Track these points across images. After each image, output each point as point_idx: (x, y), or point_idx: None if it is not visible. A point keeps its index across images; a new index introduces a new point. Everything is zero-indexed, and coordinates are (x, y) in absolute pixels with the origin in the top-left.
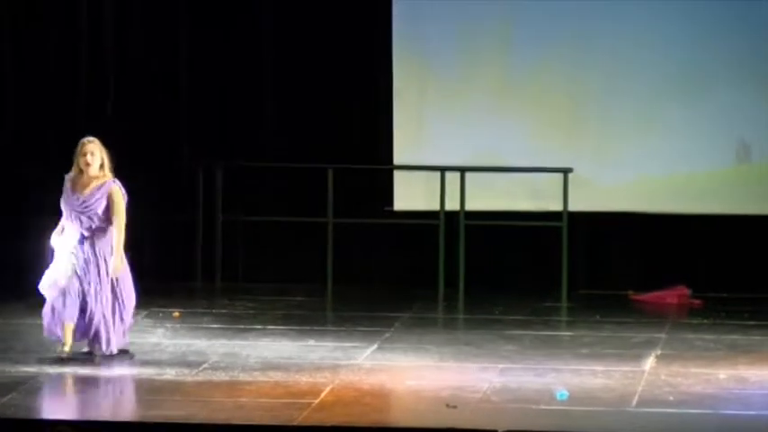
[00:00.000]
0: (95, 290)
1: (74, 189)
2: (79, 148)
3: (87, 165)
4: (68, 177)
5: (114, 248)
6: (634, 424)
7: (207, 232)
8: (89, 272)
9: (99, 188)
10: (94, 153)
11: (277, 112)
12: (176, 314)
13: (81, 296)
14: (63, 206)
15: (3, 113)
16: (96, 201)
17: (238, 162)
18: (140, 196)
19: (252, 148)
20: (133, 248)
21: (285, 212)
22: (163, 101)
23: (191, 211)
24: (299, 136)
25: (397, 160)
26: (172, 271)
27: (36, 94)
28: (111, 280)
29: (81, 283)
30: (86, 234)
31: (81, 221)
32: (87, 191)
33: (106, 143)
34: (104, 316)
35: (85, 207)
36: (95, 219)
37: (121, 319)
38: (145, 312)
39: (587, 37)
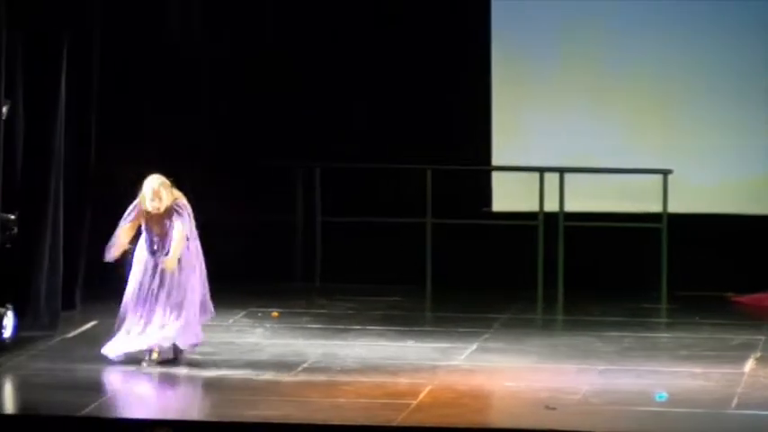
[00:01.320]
0: (163, 295)
1: (147, 223)
2: (146, 189)
3: (156, 209)
4: (141, 208)
5: (172, 250)
6: (733, 426)
7: (306, 233)
8: (155, 280)
9: (168, 219)
10: (162, 198)
11: (376, 113)
12: (275, 314)
13: (151, 304)
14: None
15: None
16: (167, 232)
17: (337, 163)
18: (239, 197)
19: (351, 150)
20: (232, 249)
21: (384, 213)
22: (263, 102)
23: (290, 212)
24: (398, 137)
25: (495, 161)
26: (271, 272)
27: (126, 98)
28: (172, 281)
29: (150, 291)
30: (156, 248)
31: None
32: (158, 228)
33: (203, 145)
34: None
35: (159, 241)
36: (167, 242)
37: (178, 317)
38: (243, 312)
39: (684, 38)
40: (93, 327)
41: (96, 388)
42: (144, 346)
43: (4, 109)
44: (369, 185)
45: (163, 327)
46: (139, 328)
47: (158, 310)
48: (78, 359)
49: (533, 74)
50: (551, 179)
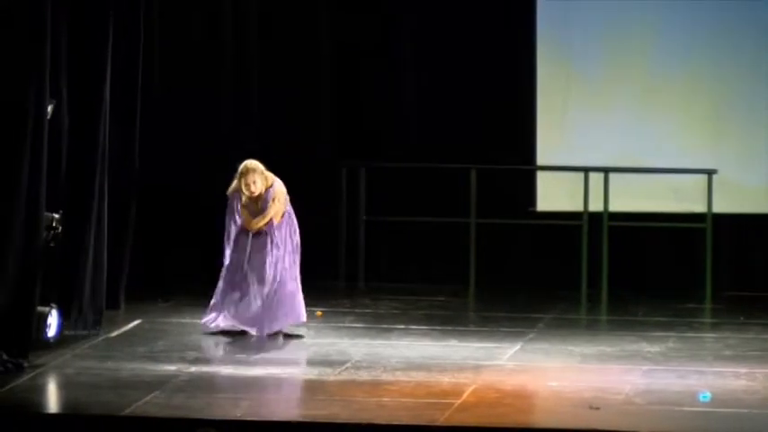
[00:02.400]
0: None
1: (246, 207)
2: (241, 176)
3: (252, 193)
4: (236, 198)
5: (261, 216)
6: None
7: (350, 232)
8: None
9: (264, 201)
10: (256, 183)
11: (420, 112)
12: (319, 313)
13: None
14: (231, 225)
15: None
16: (264, 211)
17: (381, 162)
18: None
19: (395, 149)
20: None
21: (428, 213)
22: (306, 101)
23: (334, 211)
24: (441, 136)
25: (540, 161)
26: (315, 271)
27: (180, 96)
28: (264, 263)
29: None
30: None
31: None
32: (256, 209)
33: (250, 142)
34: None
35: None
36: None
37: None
38: None
39: (730, 38)
40: (137, 326)
41: (140, 387)
42: (237, 327)
43: (50, 108)
44: (413, 185)
45: (254, 307)
46: (234, 308)
47: (251, 291)
48: (122, 358)
49: (578, 73)
50: (596, 179)
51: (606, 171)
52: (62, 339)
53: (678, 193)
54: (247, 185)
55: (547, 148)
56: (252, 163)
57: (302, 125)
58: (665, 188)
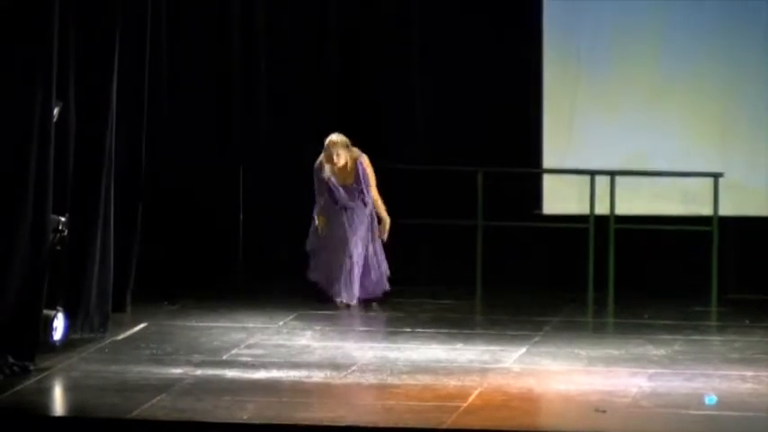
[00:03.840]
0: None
1: (334, 182)
2: (327, 147)
3: (335, 164)
4: (321, 171)
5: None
6: None
7: None
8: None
9: (353, 170)
10: (340, 155)
11: (427, 115)
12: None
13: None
14: (320, 198)
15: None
16: (355, 177)
17: (390, 164)
18: (295, 198)
19: (401, 151)
20: (285, 249)
21: (434, 215)
22: (313, 102)
23: None
24: (448, 139)
25: (546, 164)
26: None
27: (187, 99)
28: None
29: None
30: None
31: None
32: (344, 179)
33: (257, 144)
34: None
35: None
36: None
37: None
38: (293, 315)
39: (738, 40)
40: (144, 329)
41: (146, 390)
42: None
43: (56, 110)
44: (420, 187)
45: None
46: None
47: (351, 261)
48: (128, 361)
49: (585, 76)
50: (602, 182)
51: (612, 174)
52: (68, 342)
53: (685, 196)
54: (331, 157)
55: (553, 151)
56: (335, 136)
57: (309, 127)
58: (671, 191)
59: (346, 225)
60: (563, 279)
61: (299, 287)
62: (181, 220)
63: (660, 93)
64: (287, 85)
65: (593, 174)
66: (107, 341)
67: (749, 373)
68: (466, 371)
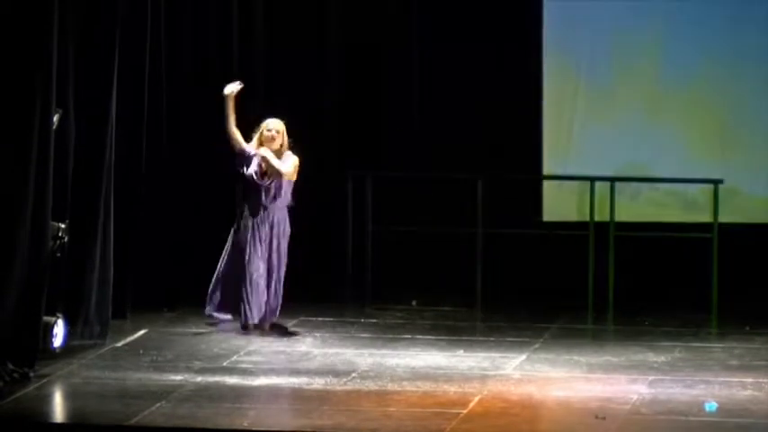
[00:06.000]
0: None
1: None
2: (264, 126)
3: (271, 139)
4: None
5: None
6: None
7: (356, 242)
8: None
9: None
10: (275, 138)
11: (426, 122)
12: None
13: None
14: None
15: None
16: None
17: (388, 172)
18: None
19: (401, 159)
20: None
21: (434, 223)
22: (312, 109)
23: (340, 220)
24: (448, 146)
25: (546, 170)
26: (321, 280)
27: (187, 105)
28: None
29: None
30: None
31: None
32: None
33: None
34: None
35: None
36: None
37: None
38: (294, 321)
39: (738, 47)
40: (143, 336)
41: (146, 397)
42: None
43: (55, 118)
44: (420, 194)
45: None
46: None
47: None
48: (128, 368)
49: (585, 83)
50: (602, 188)
51: (612, 181)
52: (68, 349)
53: (684, 202)
54: (266, 135)
55: (553, 158)
56: (275, 120)
57: (308, 133)
58: (671, 198)
59: (250, 239)
60: (563, 286)
61: (302, 294)
62: (180, 227)
63: (660, 100)
64: (286, 88)
65: (592, 180)
66: (107, 348)
67: (749, 380)
68: (466, 378)
